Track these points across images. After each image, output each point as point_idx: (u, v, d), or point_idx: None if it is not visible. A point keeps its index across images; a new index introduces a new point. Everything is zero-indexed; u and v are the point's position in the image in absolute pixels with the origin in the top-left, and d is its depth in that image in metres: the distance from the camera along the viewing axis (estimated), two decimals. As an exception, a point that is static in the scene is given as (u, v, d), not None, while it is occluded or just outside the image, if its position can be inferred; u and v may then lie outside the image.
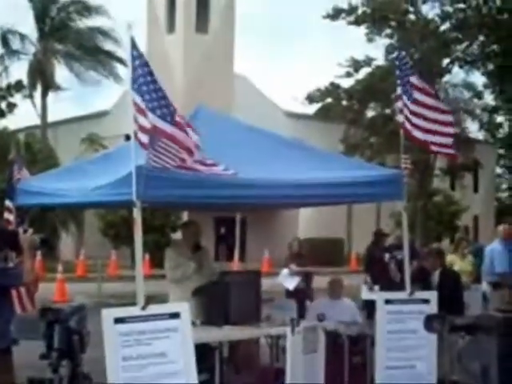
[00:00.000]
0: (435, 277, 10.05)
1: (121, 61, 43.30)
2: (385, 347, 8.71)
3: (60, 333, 6.98)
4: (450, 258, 15.04)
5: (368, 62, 40.33)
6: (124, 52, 42.47)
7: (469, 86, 43.20)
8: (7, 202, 9.17)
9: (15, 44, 44.86)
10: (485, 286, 14.09)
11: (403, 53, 9.48)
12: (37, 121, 45.35)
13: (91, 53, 44.91)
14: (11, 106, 44.14)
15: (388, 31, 39.99)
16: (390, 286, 12.01)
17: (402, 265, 9.32)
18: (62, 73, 45.76)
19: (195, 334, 7.05)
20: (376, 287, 13.17)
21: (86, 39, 44.88)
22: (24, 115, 45.91)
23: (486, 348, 5.65)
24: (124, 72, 43.31)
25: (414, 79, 8.85)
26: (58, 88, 45.12)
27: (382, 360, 8.71)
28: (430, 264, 10.30)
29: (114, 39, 44.04)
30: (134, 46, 6.73)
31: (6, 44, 44.44)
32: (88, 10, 44.74)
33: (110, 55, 45.11)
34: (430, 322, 6.03)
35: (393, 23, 39.60)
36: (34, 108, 44.88)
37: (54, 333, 6.97)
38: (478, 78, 53.14)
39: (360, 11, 39.56)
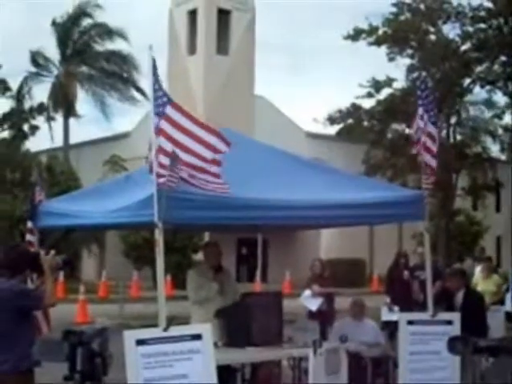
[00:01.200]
0: (459, 298, 9.96)
1: (138, 87, 44.21)
2: (407, 368, 8.65)
3: (83, 355, 6.99)
4: (476, 278, 15.01)
5: (389, 82, 40.27)
6: (143, 76, 43.21)
7: (490, 105, 43.01)
8: (29, 224, 9.24)
9: (41, 66, 45.65)
10: (510, 307, 13.99)
11: (424, 73, 9.50)
12: (60, 143, 45.74)
13: (112, 77, 45.42)
14: (33, 129, 44.52)
15: (409, 51, 39.93)
16: (410, 307, 11.93)
17: (425, 285, 9.27)
18: (83, 95, 46.37)
19: (217, 356, 7.03)
20: (396, 308, 13.10)
21: (108, 63, 45.40)
22: (47, 137, 46.43)
23: (510, 370, 5.60)
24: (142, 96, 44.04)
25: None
26: (77, 115, 45.82)
27: (404, 381, 8.65)
28: (453, 285, 10.21)
29: (134, 65, 44.77)
30: (155, 68, 6.77)
31: (36, 64, 45.19)
32: (109, 34, 45.22)
33: (130, 80, 45.68)
34: (453, 344, 5.98)
35: (413, 43, 39.54)
36: (50, 131, 45.73)
37: (77, 355, 6.98)
38: (500, 98, 52.97)
39: (380, 32, 39.56)
